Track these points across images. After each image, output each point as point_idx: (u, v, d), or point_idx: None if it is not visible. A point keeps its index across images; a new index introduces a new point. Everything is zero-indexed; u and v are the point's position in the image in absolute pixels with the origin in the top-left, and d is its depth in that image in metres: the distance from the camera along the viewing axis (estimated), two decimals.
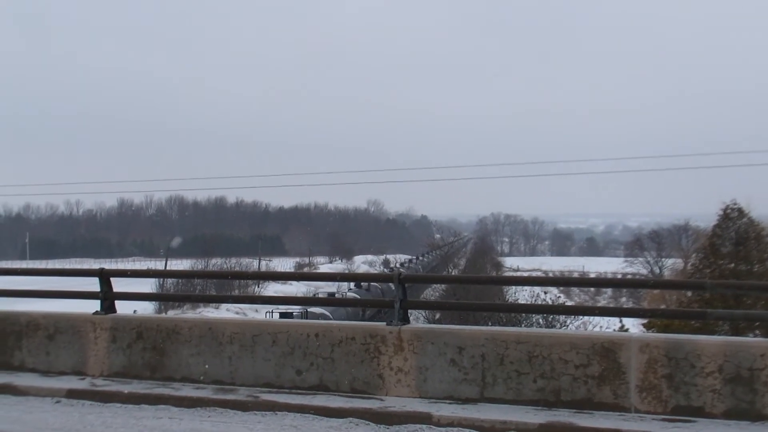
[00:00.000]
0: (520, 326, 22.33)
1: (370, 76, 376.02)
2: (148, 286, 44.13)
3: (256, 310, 41.71)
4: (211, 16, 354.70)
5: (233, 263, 67.72)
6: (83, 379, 8.92)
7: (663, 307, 34.76)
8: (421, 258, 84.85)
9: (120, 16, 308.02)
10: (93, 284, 9.50)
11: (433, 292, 47.77)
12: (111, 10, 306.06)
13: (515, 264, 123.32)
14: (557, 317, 26.30)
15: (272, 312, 35.69)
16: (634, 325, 27.49)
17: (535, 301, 35.81)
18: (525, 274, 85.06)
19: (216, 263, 64.63)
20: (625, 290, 69.59)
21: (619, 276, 71.60)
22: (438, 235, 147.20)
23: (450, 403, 7.56)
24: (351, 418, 7.31)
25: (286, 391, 8.17)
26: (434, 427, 7.06)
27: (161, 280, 46.54)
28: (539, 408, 7.34)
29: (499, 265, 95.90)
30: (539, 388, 7.42)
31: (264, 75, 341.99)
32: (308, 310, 33.79)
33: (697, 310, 19.21)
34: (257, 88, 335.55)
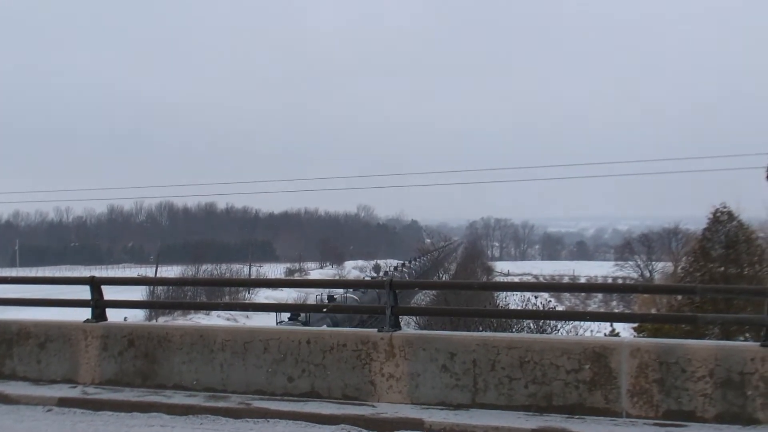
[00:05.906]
0: (511, 331, 22.33)
1: (356, 82, 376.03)
2: (138, 293, 44.03)
3: (248, 316, 41.55)
4: (197, 25, 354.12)
5: (224, 269, 67.56)
6: (75, 387, 8.90)
7: (654, 311, 34.89)
8: (411, 263, 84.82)
9: (116, 29, 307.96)
10: (84, 292, 9.48)
11: (424, 297, 47.69)
12: (112, 24, 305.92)
13: (506, 268, 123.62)
14: (548, 322, 26.29)
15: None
16: (624, 329, 27.58)
17: (526, 306, 35.87)
18: (516, 280, 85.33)
19: (207, 269, 64.48)
20: (615, 294, 69.57)
21: (610, 280, 71.91)
22: (428, 240, 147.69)
23: (442, 409, 7.57)
24: (343, 425, 7.31)
25: (278, 397, 8.17)
26: None
27: (152, 287, 46.44)
28: (531, 413, 7.35)
29: (489, 270, 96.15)
30: (531, 394, 7.44)
31: (252, 82, 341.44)
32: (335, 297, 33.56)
33: (688, 315, 19.30)
34: (246, 96, 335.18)
